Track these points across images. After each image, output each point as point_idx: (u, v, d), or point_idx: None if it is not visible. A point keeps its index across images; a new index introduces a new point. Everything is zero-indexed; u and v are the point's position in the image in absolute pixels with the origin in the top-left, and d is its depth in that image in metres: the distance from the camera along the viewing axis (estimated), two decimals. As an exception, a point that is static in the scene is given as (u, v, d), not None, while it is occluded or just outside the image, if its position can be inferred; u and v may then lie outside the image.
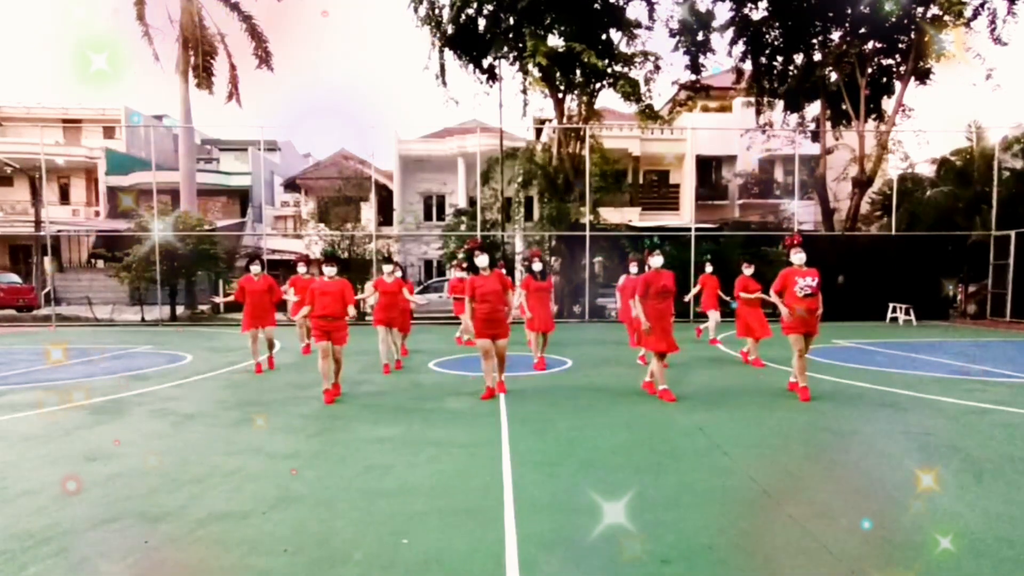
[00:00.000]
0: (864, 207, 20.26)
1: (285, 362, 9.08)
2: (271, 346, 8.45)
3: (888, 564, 2.63)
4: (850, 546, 2.79)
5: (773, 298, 6.29)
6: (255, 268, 8.14)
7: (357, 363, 8.75)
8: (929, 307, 16.41)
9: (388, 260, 8.76)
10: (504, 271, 7.23)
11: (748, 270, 8.74)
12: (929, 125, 21.72)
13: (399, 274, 9.44)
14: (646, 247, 6.28)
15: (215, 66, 18.91)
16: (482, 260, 6.24)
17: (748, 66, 19.76)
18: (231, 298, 8.24)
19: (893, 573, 2.56)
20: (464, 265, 12.51)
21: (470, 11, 16.53)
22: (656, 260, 6.13)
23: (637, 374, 7.84)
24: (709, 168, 25.68)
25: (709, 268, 10.48)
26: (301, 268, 10.05)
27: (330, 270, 6.48)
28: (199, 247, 17.30)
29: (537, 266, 8.65)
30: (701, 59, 18.35)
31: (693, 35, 17.75)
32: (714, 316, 10.58)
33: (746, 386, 6.90)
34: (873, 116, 19.41)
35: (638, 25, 17.22)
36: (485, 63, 17.90)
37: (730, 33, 18.94)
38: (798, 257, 6.16)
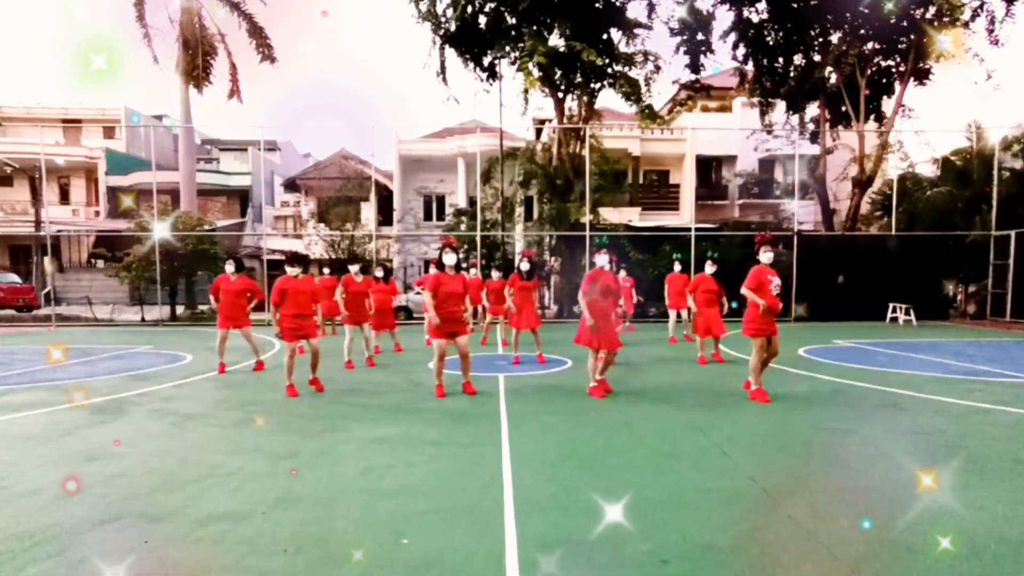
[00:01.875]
0: (864, 207, 20.27)
1: (282, 362, 9.05)
2: (255, 349, 8.29)
3: (888, 564, 2.63)
4: (850, 546, 2.79)
5: (749, 295, 6.05)
6: (229, 268, 8.11)
7: (356, 363, 8.75)
8: (929, 307, 16.40)
9: (354, 260, 8.95)
10: (480, 271, 7.37)
11: (710, 268, 8.83)
12: (929, 125, 21.73)
13: (380, 274, 9.50)
14: (595, 245, 6.42)
15: (215, 66, 18.92)
16: (450, 259, 6.29)
17: (749, 67, 19.78)
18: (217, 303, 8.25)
19: (893, 573, 2.56)
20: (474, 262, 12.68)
21: (472, 8, 16.52)
22: (601, 259, 6.28)
23: (637, 374, 7.85)
24: (709, 168, 25.69)
25: (677, 267, 10.73)
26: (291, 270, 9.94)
27: (292, 270, 6.60)
28: (199, 247, 17.31)
29: (525, 266, 8.94)
30: (701, 59, 18.37)
31: (693, 35, 17.75)
32: (673, 316, 11.01)
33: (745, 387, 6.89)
34: (873, 116, 19.41)
35: (638, 25, 17.23)
36: (485, 61, 17.91)
37: (732, 36, 18.96)
38: (767, 256, 6.08)
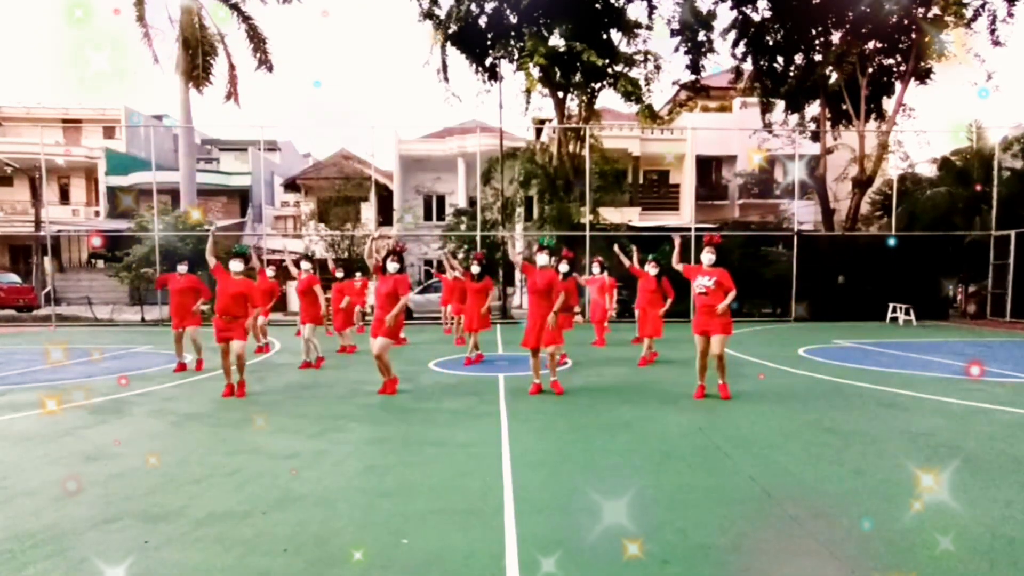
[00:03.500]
0: (864, 207, 20.27)
1: (284, 362, 9.07)
2: (198, 348, 8.21)
3: (888, 564, 2.63)
4: (850, 546, 2.79)
5: (675, 261, 6.52)
6: (182, 268, 8.11)
7: (357, 364, 8.75)
8: (929, 307, 16.40)
9: (307, 258, 8.82)
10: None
11: (653, 270, 8.88)
12: (929, 125, 21.75)
13: (340, 275, 9.44)
14: (540, 244, 6.54)
15: (215, 66, 18.91)
16: (392, 266, 6.35)
17: (749, 66, 19.78)
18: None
19: (893, 573, 2.56)
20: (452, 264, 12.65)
21: (473, 8, 16.53)
22: (541, 259, 6.42)
23: (636, 374, 7.85)
24: (709, 168, 25.69)
25: (648, 267, 10.52)
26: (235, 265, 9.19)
27: (236, 266, 6.47)
28: (199, 247, 17.31)
29: (476, 268, 8.96)
30: (702, 59, 18.37)
31: (694, 35, 17.76)
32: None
33: (745, 387, 6.90)
34: (873, 116, 19.42)
35: (638, 25, 17.23)
36: (487, 61, 17.91)
37: (731, 34, 18.97)
38: (706, 258, 6.15)
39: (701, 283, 6.07)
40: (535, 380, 6.55)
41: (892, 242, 16.74)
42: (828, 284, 16.75)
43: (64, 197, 29.74)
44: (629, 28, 17.10)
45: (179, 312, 8.02)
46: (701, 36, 17.87)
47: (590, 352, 10.02)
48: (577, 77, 16.81)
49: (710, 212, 23.90)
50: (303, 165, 34.92)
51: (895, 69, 18.79)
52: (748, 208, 24.90)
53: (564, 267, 7.11)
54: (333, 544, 2.85)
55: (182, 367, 8.13)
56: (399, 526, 3.05)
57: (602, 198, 18.77)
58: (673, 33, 17.93)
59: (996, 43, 16.91)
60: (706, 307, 6.05)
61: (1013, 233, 16.14)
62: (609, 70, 16.70)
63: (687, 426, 5.07)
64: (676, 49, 18.25)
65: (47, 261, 21.21)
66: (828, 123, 19.64)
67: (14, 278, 22.64)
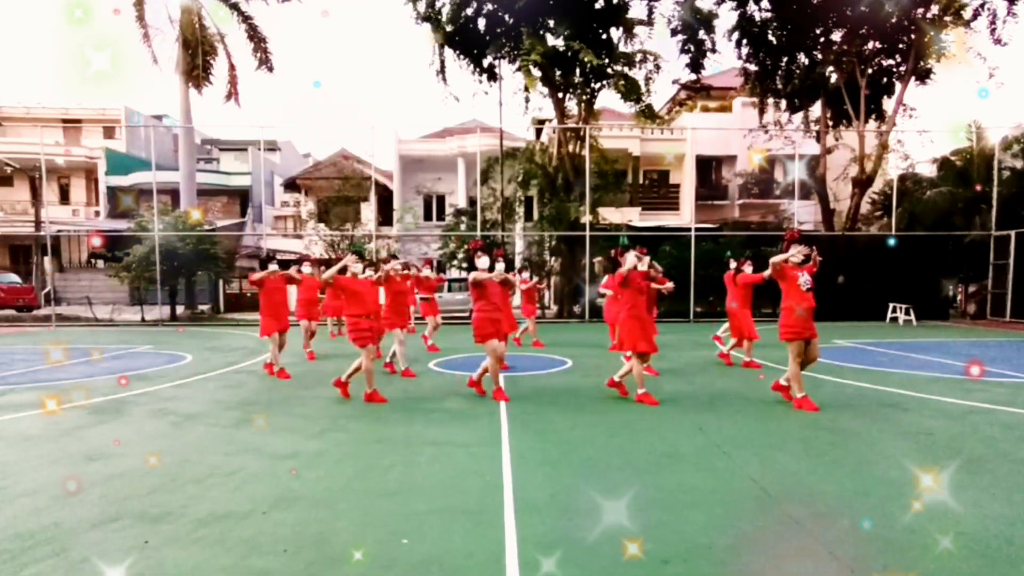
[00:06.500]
0: (864, 207, 20.27)
1: (284, 362, 9.05)
2: (279, 350, 7.94)
3: (888, 564, 2.63)
4: (850, 546, 2.79)
5: (775, 261, 5.58)
6: (273, 267, 7.81)
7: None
8: (929, 307, 16.41)
9: (393, 256, 8.42)
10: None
11: (748, 269, 8.42)
12: (930, 125, 21.74)
13: (308, 270, 9.29)
14: (621, 246, 6.18)
15: (215, 66, 18.90)
16: (483, 262, 6.13)
17: (753, 68, 19.77)
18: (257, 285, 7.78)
19: (893, 573, 2.56)
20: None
21: (469, 11, 16.53)
22: (630, 259, 5.90)
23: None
24: (709, 168, 25.69)
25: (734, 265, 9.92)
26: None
27: (357, 266, 6.24)
28: (199, 247, 17.32)
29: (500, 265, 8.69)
30: (703, 59, 18.36)
31: (694, 34, 17.76)
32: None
33: (746, 387, 6.90)
34: (874, 116, 19.42)
35: (640, 22, 17.20)
36: (485, 62, 17.91)
37: (735, 35, 18.97)
38: (796, 256, 5.63)
39: (805, 280, 5.53)
40: (640, 389, 5.95)
41: (892, 242, 16.75)
42: (828, 284, 16.75)
43: (64, 197, 29.73)
44: (629, 27, 17.07)
45: (279, 314, 7.71)
46: (701, 35, 17.85)
47: (590, 351, 10.01)
48: (576, 77, 16.81)
49: (710, 212, 23.90)
50: (303, 165, 34.91)
51: (895, 69, 18.79)
52: (748, 208, 24.90)
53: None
54: (333, 544, 2.85)
55: (286, 374, 7.70)
56: (399, 526, 3.05)
57: (602, 198, 18.76)
58: (673, 32, 17.92)
59: (998, 42, 16.92)
60: (811, 308, 5.58)
61: (1013, 233, 16.14)
62: (608, 70, 16.69)
63: (687, 426, 5.07)
64: (683, 52, 18.20)
65: (47, 261, 21.22)
66: (828, 123, 19.63)
67: (14, 278, 22.64)
